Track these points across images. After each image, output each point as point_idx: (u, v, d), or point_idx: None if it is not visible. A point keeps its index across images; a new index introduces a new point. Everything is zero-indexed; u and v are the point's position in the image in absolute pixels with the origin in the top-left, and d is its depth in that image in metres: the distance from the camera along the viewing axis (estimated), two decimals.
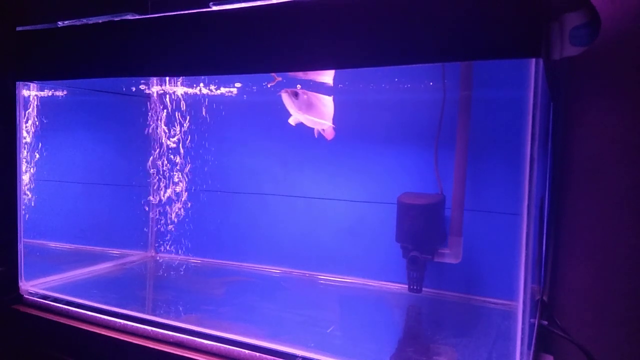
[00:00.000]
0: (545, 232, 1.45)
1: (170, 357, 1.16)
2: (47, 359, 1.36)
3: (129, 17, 1.27)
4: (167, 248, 1.93)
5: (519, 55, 0.86)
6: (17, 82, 1.47)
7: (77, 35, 1.35)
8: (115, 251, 1.95)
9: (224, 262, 1.87)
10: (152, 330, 1.23)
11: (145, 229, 1.96)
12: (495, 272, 1.47)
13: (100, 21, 1.31)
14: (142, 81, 1.69)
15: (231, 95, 1.75)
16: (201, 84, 1.64)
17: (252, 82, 1.59)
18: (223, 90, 1.70)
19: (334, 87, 1.49)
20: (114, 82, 1.69)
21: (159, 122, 1.79)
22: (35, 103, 1.69)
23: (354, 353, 1.16)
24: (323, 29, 1.03)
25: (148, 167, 1.88)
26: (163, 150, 1.81)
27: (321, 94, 1.43)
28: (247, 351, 1.11)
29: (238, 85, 1.64)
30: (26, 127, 1.59)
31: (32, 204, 1.62)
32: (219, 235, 1.87)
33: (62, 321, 1.34)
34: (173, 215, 1.87)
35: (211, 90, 1.70)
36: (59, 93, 1.80)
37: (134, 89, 1.81)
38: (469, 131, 1.34)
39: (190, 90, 1.71)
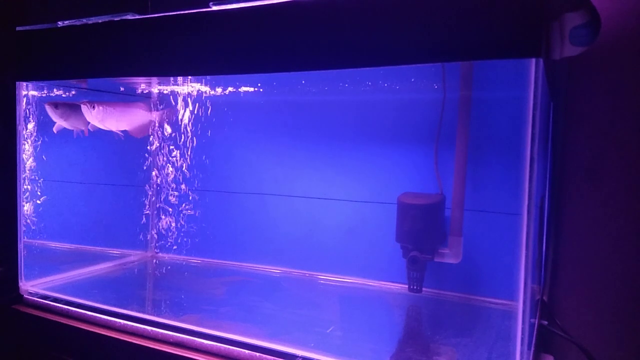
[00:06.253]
0: (545, 232, 1.45)
1: (170, 357, 1.16)
2: (47, 359, 1.36)
3: (129, 17, 1.27)
4: (167, 248, 1.93)
5: (519, 55, 0.86)
6: (17, 82, 1.47)
7: (77, 35, 1.35)
8: (115, 251, 1.95)
9: (224, 262, 1.87)
10: (152, 330, 1.23)
11: (145, 229, 1.96)
12: (495, 272, 1.47)
13: (100, 21, 1.31)
14: (142, 81, 1.70)
15: (231, 95, 1.74)
16: (201, 84, 1.64)
17: (251, 82, 1.59)
18: (223, 90, 1.70)
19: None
20: (114, 82, 1.70)
21: (170, 121, 1.79)
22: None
23: (354, 353, 1.16)
24: (322, 29, 1.03)
25: (148, 166, 1.88)
26: (163, 150, 1.81)
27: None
28: (247, 351, 1.11)
29: (238, 85, 1.64)
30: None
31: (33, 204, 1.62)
32: (219, 235, 1.87)
33: (62, 321, 1.34)
34: (173, 215, 1.87)
35: (211, 90, 1.70)
36: (59, 93, 1.80)
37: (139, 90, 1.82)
38: (469, 131, 1.34)
39: (190, 90, 1.71)
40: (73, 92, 1.78)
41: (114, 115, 1.57)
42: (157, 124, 1.75)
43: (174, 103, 1.74)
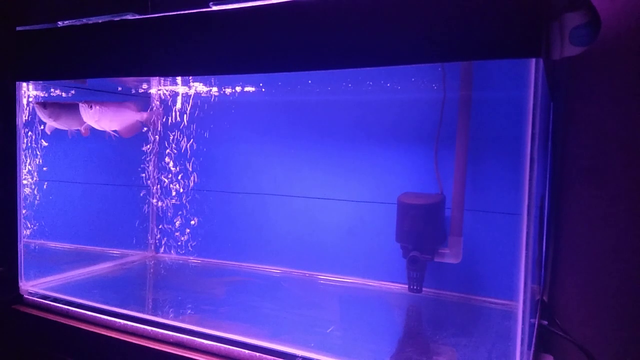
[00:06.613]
0: (545, 232, 1.45)
1: (170, 357, 1.16)
2: (47, 359, 1.36)
3: (129, 17, 1.27)
4: (167, 248, 1.93)
5: (519, 55, 0.86)
6: (17, 82, 1.47)
7: (77, 35, 1.35)
8: (115, 251, 1.95)
9: (224, 262, 1.87)
10: (152, 330, 1.23)
11: (145, 229, 1.96)
12: (495, 272, 1.47)
13: (100, 21, 1.31)
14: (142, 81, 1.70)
15: (231, 96, 1.75)
16: (201, 84, 1.64)
17: (253, 82, 1.59)
18: (223, 90, 1.70)
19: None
20: (112, 81, 1.70)
21: (159, 122, 1.80)
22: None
23: (354, 353, 1.16)
24: (323, 30, 1.03)
25: (148, 166, 1.89)
26: (163, 150, 1.81)
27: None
28: (247, 351, 1.11)
29: (240, 85, 1.64)
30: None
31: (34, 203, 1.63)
32: (219, 235, 1.87)
33: (62, 321, 1.34)
34: (173, 215, 1.87)
35: (211, 90, 1.70)
36: (59, 93, 1.80)
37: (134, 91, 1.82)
38: (469, 131, 1.34)
39: (190, 90, 1.71)
40: (72, 92, 1.79)
41: (108, 115, 1.58)
42: (148, 124, 1.75)
43: (172, 103, 1.74)
